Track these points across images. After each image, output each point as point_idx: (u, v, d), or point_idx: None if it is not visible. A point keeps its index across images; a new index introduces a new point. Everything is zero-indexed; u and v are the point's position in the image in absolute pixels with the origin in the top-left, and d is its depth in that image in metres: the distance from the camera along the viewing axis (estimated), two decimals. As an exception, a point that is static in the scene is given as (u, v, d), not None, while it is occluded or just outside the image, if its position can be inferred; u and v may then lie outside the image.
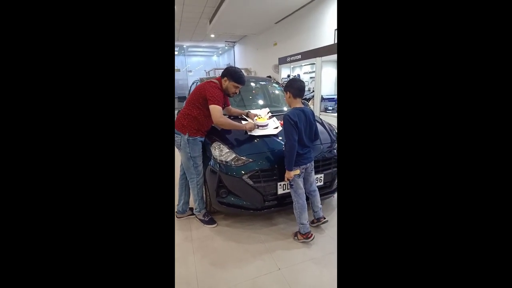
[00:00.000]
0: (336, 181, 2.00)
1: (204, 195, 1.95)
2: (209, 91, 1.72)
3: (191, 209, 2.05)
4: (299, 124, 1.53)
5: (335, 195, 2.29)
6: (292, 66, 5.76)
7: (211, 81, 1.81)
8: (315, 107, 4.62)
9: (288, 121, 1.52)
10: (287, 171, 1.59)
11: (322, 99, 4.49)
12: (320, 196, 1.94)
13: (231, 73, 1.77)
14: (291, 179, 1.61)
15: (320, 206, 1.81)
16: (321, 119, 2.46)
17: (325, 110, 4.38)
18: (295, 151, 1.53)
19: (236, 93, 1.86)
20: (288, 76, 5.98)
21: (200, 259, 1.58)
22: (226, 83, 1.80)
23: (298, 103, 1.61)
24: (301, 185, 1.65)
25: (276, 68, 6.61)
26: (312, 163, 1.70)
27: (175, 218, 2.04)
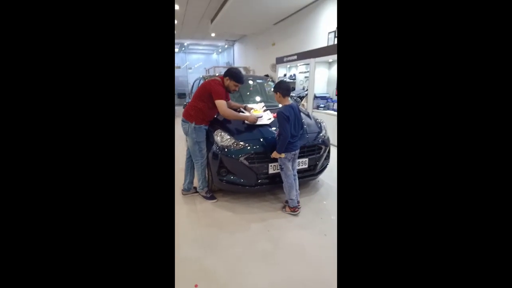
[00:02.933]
0: (319, 165, 2.36)
1: (206, 175, 2.30)
2: (214, 88, 2.06)
3: (195, 188, 2.40)
4: (290, 118, 1.88)
5: (319, 177, 2.66)
6: (288, 66, 6.10)
7: (215, 79, 2.15)
8: (308, 104, 4.98)
9: (282, 116, 1.86)
10: (275, 152, 1.93)
11: (315, 97, 4.84)
12: (305, 178, 2.30)
13: (232, 74, 2.12)
14: (277, 157, 1.94)
15: (298, 191, 2.12)
16: (308, 113, 2.81)
17: (317, 107, 4.74)
18: (287, 139, 1.88)
19: (236, 90, 2.21)
20: (285, 75, 6.32)
21: (204, 225, 1.93)
22: (227, 82, 2.14)
23: (287, 101, 1.97)
24: (290, 168, 2.00)
25: (274, 67, 6.94)
26: (298, 150, 2.04)
27: (181, 195, 2.39)
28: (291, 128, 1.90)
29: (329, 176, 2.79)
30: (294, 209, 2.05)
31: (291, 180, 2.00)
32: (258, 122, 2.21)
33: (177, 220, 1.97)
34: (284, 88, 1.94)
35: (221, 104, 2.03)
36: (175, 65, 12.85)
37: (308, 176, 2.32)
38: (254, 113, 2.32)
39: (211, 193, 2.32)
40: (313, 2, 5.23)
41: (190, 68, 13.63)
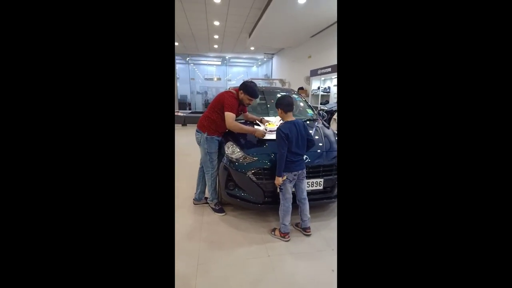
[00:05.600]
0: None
1: (217, 186, 2.26)
2: (226, 100, 2.05)
3: (206, 198, 2.38)
4: (290, 136, 1.72)
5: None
6: (322, 79, 5.88)
7: (229, 91, 2.15)
8: (341, 119, 4.65)
9: (279, 134, 1.73)
10: (276, 178, 1.77)
11: (348, 112, 4.51)
12: (319, 200, 2.09)
13: (246, 87, 2.09)
14: (280, 184, 1.78)
15: (309, 216, 1.91)
16: (333, 130, 2.59)
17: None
18: (284, 159, 1.73)
19: (250, 104, 2.17)
20: (319, 88, 6.09)
21: (204, 238, 1.87)
22: (241, 95, 2.11)
23: (289, 117, 1.82)
24: (290, 190, 1.82)
25: (308, 80, 6.78)
26: (304, 171, 1.84)
27: (192, 204, 2.39)
28: (293, 146, 1.75)
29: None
30: (284, 235, 1.86)
31: (289, 204, 1.82)
32: (270, 137, 2.11)
33: (179, 230, 1.96)
34: (285, 103, 1.80)
35: (228, 116, 2.00)
36: (216, 76, 13.66)
37: (323, 198, 2.10)
38: (268, 126, 2.23)
39: (220, 206, 2.27)
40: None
41: (230, 80, 14.27)
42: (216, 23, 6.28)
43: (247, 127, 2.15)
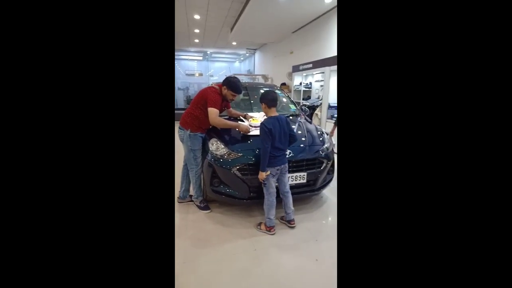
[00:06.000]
0: (320, 180, 2.19)
1: (201, 184, 2.24)
2: (209, 95, 2.02)
3: (191, 196, 2.35)
4: (273, 131, 1.75)
5: (322, 193, 2.47)
6: (304, 74, 5.97)
7: (213, 86, 2.12)
8: (323, 114, 4.78)
9: (263, 129, 1.75)
10: (260, 172, 1.79)
11: (329, 107, 4.64)
12: (303, 193, 2.15)
13: (229, 83, 2.07)
14: (264, 179, 1.81)
15: (292, 208, 1.96)
16: (315, 125, 2.66)
17: (331, 117, 4.52)
18: (268, 154, 1.75)
19: (233, 99, 2.16)
20: (300, 83, 6.19)
21: (190, 236, 1.86)
22: (225, 91, 2.10)
23: (273, 112, 1.84)
24: (273, 185, 1.85)
25: (290, 76, 6.85)
26: (286, 165, 1.88)
27: (177, 202, 2.36)
28: (276, 141, 1.78)
29: (335, 192, 2.59)
30: (270, 229, 1.90)
31: (273, 199, 1.86)
32: (254, 132, 2.12)
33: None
34: (269, 98, 1.83)
35: (212, 112, 1.99)
36: (198, 71, 13.37)
37: (307, 191, 2.16)
38: (252, 122, 2.24)
39: (206, 203, 2.26)
40: (330, 10, 5.09)
41: (212, 76, 14.01)
42: (196, 16, 6.12)
43: (231, 122, 2.14)
